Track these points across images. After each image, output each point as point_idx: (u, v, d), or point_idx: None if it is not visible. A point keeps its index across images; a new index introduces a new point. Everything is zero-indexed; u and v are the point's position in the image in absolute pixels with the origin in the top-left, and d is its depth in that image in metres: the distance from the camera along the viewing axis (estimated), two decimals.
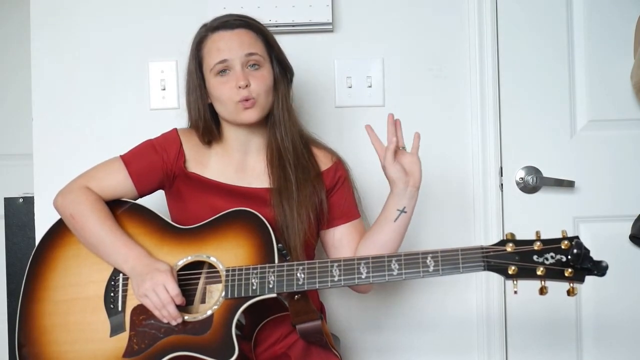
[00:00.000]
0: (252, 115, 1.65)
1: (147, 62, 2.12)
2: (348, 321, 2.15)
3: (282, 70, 1.73)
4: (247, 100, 1.63)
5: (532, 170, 2.14)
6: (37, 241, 1.73)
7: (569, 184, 2.13)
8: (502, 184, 2.15)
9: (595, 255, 1.37)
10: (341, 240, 1.75)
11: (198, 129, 1.72)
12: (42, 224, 2.02)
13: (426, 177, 2.09)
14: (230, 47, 1.65)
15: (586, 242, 1.39)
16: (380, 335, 2.15)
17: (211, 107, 1.71)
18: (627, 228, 2.16)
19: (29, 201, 2.15)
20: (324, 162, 1.77)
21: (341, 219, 1.75)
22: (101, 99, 2.13)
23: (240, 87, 1.62)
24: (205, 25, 1.73)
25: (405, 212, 1.63)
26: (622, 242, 2.16)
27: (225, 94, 1.64)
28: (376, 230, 1.67)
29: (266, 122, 1.73)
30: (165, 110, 2.12)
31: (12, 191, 2.26)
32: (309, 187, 1.70)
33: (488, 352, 2.13)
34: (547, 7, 2.14)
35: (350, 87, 2.13)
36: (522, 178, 2.14)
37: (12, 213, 2.20)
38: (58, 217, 1.72)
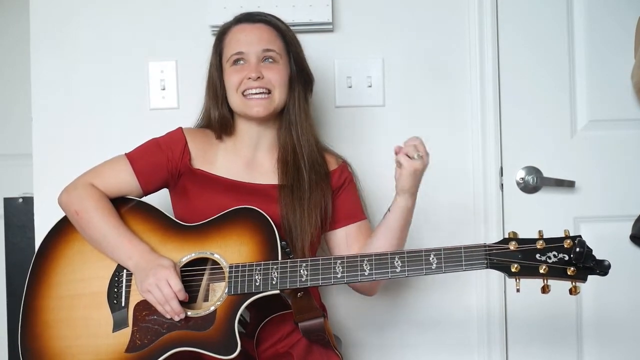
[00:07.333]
0: (261, 109, 1.67)
1: (147, 62, 2.12)
2: (349, 321, 2.14)
3: (300, 72, 1.75)
4: (257, 87, 1.65)
5: (533, 170, 2.14)
6: (37, 241, 1.73)
7: (570, 184, 2.12)
8: (502, 184, 2.15)
9: (595, 255, 1.37)
10: (346, 241, 1.75)
11: (215, 119, 1.73)
12: (42, 224, 2.01)
13: (426, 177, 2.10)
14: (248, 40, 1.69)
15: (586, 242, 1.39)
16: (381, 335, 2.15)
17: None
18: (627, 228, 2.16)
19: (28, 201, 2.15)
20: (331, 164, 1.79)
21: (347, 219, 1.76)
22: (101, 99, 2.12)
23: (250, 79, 1.65)
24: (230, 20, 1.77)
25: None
26: (622, 242, 2.16)
27: (235, 82, 1.67)
28: (374, 232, 1.69)
29: (280, 121, 1.75)
30: (164, 110, 2.12)
31: (12, 191, 2.26)
32: (320, 190, 1.71)
33: (488, 351, 2.12)
34: (548, 7, 2.15)
35: (350, 87, 2.13)
36: (522, 178, 2.14)
37: (11, 213, 2.21)
38: (58, 217, 1.72)
